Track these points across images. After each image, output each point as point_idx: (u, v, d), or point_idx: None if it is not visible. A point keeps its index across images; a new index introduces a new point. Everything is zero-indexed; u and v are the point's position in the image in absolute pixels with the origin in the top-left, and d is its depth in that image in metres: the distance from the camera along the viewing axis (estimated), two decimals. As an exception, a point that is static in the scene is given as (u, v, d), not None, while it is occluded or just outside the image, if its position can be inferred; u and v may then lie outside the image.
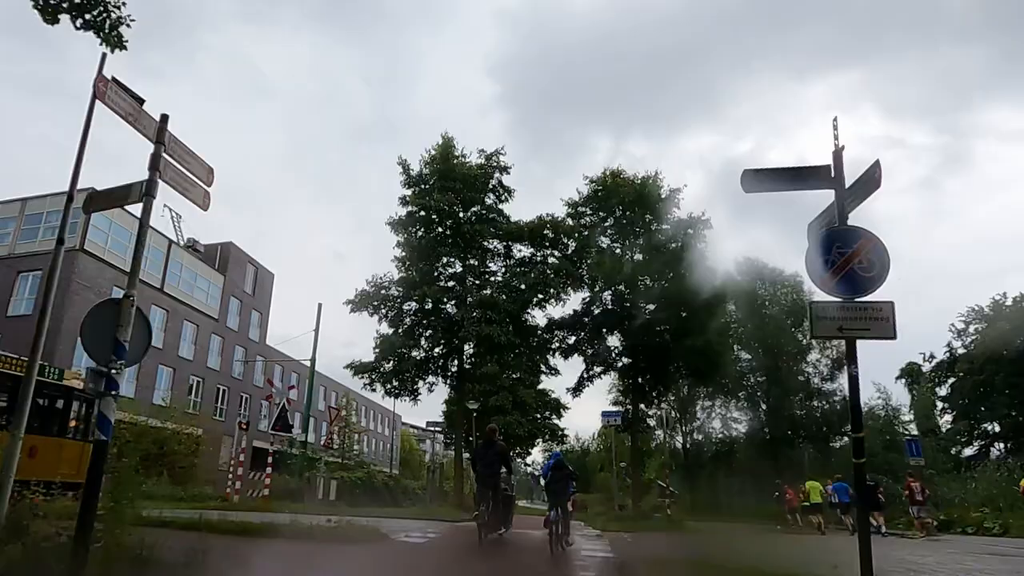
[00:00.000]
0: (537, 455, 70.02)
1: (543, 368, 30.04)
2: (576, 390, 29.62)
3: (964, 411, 46.66)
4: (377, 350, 26.70)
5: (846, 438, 42.59)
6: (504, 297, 26.61)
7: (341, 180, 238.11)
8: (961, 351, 47.96)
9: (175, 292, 43.18)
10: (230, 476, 23.50)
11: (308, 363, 29.34)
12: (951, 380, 49.73)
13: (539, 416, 50.89)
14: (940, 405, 51.47)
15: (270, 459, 22.72)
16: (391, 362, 26.52)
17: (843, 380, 41.69)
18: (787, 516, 25.74)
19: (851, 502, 21.99)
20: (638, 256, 27.98)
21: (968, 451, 48.12)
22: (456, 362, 28.11)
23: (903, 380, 53.11)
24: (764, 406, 41.42)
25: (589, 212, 30.76)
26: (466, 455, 56.26)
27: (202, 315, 45.75)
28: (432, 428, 60.27)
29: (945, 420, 51.65)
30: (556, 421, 51.31)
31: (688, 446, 48.42)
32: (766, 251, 31.30)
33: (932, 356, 50.48)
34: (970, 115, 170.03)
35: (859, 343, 5.64)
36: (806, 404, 40.95)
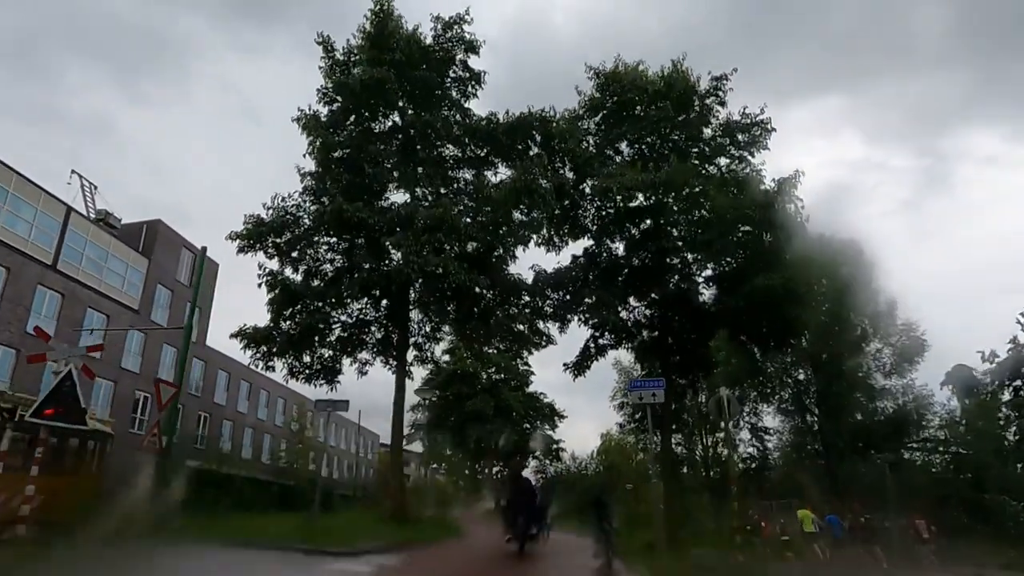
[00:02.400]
0: (529, 476, 59.09)
1: (530, 335, 19.42)
2: (579, 367, 19.19)
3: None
4: (271, 304, 16.31)
5: (917, 449, 32.21)
6: (468, 219, 16.42)
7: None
8: (1029, 348, 38.04)
9: (75, 272, 32.68)
10: None
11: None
12: (1017, 382, 39.66)
13: (528, 426, 40.23)
14: (1005, 413, 41.22)
15: (33, 471, 12.39)
16: (292, 321, 16.13)
17: (914, 375, 31.52)
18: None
19: (842, 537, 19.60)
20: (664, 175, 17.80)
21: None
22: (396, 333, 17.73)
23: (950, 387, 42.75)
24: (816, 409, 30.93)
25: (594, 127, 20.79)
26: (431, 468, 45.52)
27: (115, 304, 35.25)
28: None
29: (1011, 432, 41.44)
30: (550, 432, 41.01)
31: (709, 461, 37.95)
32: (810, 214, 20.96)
33: (994, 355, 40.25)
34: (950, 139, 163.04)
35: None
36: (868, 406, 30.42)
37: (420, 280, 15.78)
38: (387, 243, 15.52)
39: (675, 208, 18.12)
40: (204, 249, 22.60)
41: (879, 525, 22.11)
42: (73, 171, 36.35)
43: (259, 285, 15.99)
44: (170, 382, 13.61)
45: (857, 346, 30.72)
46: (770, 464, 36.51)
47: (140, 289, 37.12)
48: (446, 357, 34.55)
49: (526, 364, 36.64)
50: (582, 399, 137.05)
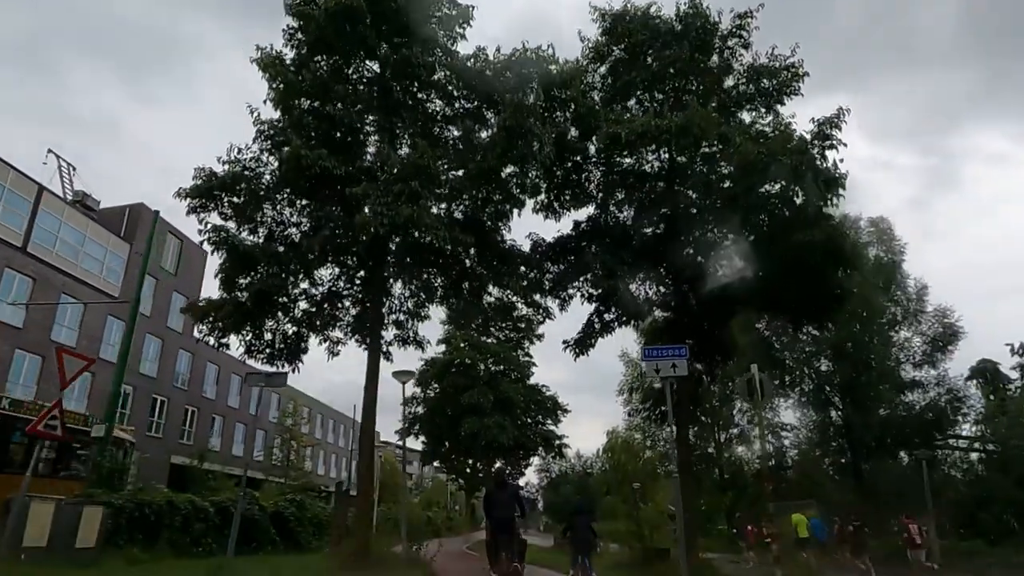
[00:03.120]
0: (531, 475, 56.24)
1: (522, 306, 16.70)
2: (581, 344, 16.46)
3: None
4: (221, 270, 13.74)
5: (949, 446, 29.31)
6: (453, 174, 13.86)
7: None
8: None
9: (47, 255, 30.26)
10: None
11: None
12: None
13: (530, 420, 37.15)
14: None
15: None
16: (247, 288, 13.54)
17: (947, 364, 28.63)
18: (745, 551, 22.74)
19: (827, 541, 19.10)
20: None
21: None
22: (370, 305, 15.12)
23: (975, 381, 39.69)
24: (840, 402, 28.11)
25: (599, 80, 18.15)
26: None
27: (93, 290, 32.84)
28: (399, 445, 47.50)
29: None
30: (552, 427, 37.80)
31: (723, 461, 35.11)
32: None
33: (1024, 347, 37.11)
34: (957, 137, 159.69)
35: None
36: (897, 398, 27.58)
37: (395, 240, 13.17)
38: (354, 193, 12.75)
39: (693, 162, 15.48)
40: (157, 213, 20.21)
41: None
42: (50, 151, 33.85)
43: (201, 243, 13.41)
44: (81, 354, 11.07)
45: (885, 334, 27.96)
46: (786, 463, 33.77)
47: (121, 276, 34.71)
48: (441, 347, 31.97)
49: (527, 355, 33.96)
50: (589, 397, 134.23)
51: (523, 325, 33.09)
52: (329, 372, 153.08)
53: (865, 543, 17.47)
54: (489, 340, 31.37)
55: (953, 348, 27.17)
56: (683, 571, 10.26)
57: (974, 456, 27.33)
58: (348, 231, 13.87)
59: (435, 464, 50.62)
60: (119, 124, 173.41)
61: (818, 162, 13.21)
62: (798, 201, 14.36)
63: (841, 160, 13.94)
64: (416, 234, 12.48)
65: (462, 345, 31.56)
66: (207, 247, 13.28)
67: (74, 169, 34.29)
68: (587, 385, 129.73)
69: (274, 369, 14.30)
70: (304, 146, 12.90)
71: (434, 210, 14.05)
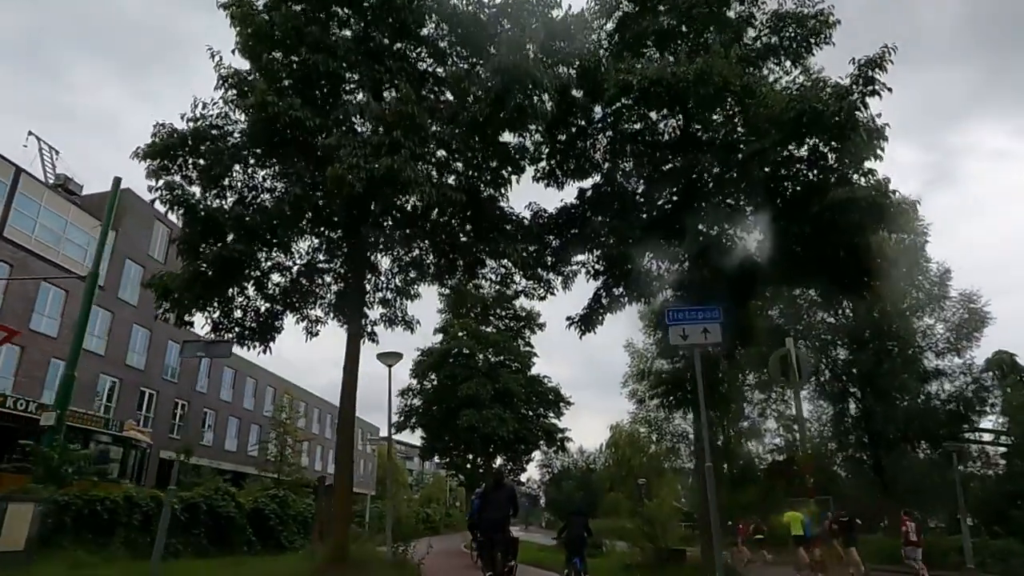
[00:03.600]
0: (533, 471, 54.54)
1: (521, 279, 14.96)
2: (587, 320, 14.75)
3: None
4: (181, 236, 12.09)
5: (978, 440, 27.56)
6: (442, 127, 12.19)
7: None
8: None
9: (26, 241, 28.72)
10: None
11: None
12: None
13: (531, 413, 35.29)
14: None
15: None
16: (206, 255, 11.85)
17: (973, 352, 26.81)
18: (741, 548, 22.08)
19: (812, 537, 17.58)
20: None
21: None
22: (352, 277, 13.45)
23: (991, 374, 37.89)
24: (857, 392, 26.33)
25: (606, 39, 16.47)
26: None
27: (77, 279, 31.26)
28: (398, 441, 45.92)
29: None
30: (554, 420, 35.87)
31: (737, 454, 33.33)
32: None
33: (1044, 337, 35.36)
34: (957, 134, 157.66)
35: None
36: (921, 388, 25.79)
37: (373, 198, 11.47)
38: (327, 144, 11.04)
39: (710, 123, 13.78)
40: (118, 180, 18.72)
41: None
42: (30, 133, 32.30)
43: (152, 201, 11.76)
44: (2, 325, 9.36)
45: (907, 320, 26.16)
46: (798, 457, 32.02)
47: (106, 263, 32.93)
48: (438, 337, 30.28)
49: (528, 344, 32.21)
50: (592, 395, 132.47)
51: (524, 313, 31.47)
52: (331, 369, 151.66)
53: (855, 538, 16.72)
54: (488, 329, 29.74)
55: (979, 335, 25.37)
56: (717, 570, 8.73)
57: (1000, 450, 25.56)
58: (325, 192, 12.16)
59: (436, 460, 48.97)
60: (119, 120, 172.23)
61: (859, 112, 11.43)
62: (831, 161, 12.69)
63: (879, 115, 12.19)
64: (398, 190, 10.76)
65: (460, 334, 29.86)
66: (160, 207, 11.63)
67: (57, 153, 32.69)
68: (589, 381, 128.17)
69: (255, 347, 12.67)
70: (271, 92, 11.17)
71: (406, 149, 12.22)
